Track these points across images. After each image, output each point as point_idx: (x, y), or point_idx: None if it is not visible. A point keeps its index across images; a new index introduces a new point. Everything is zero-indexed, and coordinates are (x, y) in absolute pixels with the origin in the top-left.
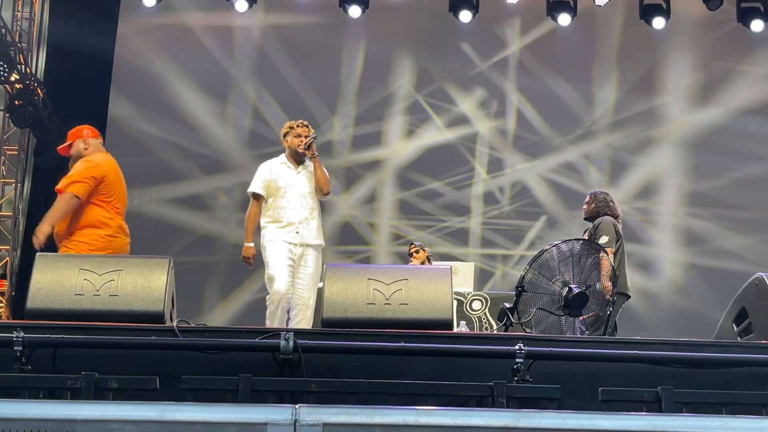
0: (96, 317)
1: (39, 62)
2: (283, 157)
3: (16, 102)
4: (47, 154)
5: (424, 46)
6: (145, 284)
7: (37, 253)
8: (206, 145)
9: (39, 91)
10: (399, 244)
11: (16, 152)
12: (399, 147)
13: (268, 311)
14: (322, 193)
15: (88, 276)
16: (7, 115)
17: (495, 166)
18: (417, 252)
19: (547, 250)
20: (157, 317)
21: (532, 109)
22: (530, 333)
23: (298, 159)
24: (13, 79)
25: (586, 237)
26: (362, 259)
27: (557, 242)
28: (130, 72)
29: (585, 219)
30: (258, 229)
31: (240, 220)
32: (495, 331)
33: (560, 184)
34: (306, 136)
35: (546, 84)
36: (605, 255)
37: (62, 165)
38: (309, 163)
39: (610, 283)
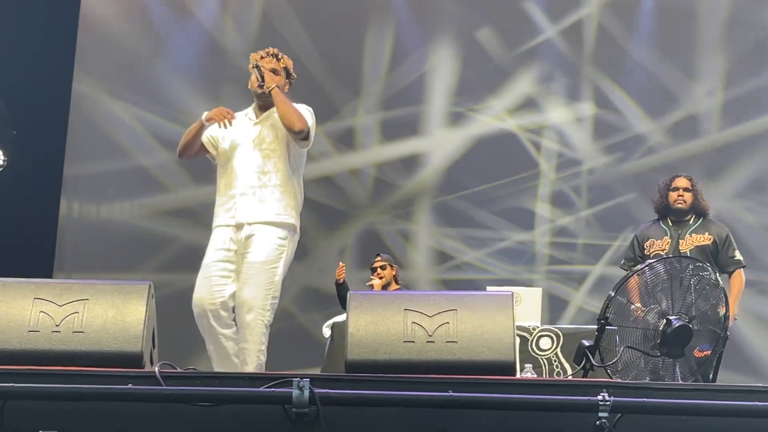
0: (56, 360)
1: None
2: (250, 108)
3: None
4: None
5: (473, 8)
6: (118, 317)
7: None
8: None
9: None
10: (443, 264)
11: None
12: (441, 138)
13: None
14: (292, 132)
15: (45, 307)
16: None
17: (567, 162)
18: (383, 268)
19: (637, 270)
20: (135, 359)
21: (616, 87)
22: (617, 379)
23: (264, 107)
24: None
25: (708, 241)
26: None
27: (651, 260)
28: (97, 43)
29: (686, 210)
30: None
31: None
32: (570, 377)
33: (653, 185)
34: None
35: (633, 54)
36: (717, 275)
37: (12, 166)
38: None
39: (726, 312)
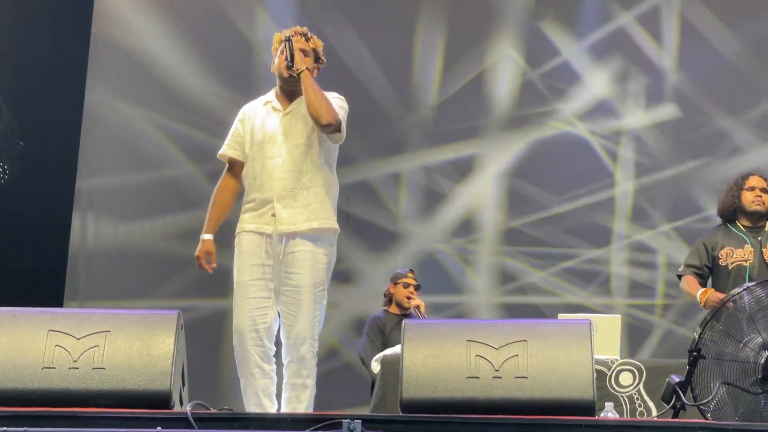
0: (74, 400)
1: None
2: (271, 94)
3: None
4: None
5: None
6: (143, 351)
7: None
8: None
9: None
10: (505, 286)
11: None
12: (501, 144)
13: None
14: (320, 124)
15: (61, 340)
16: None
17: (645, 168)
18: (418, 288)
19: (734, 296)
20: (163, 399)
21: (699, 86)
22: (712, 421)
23: (290, 93)
24: None
25: None
26: (455, 314)
27: (749, 284)
28: (113, 43)
29: (763, 213)
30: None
31: None
32: (656, 418)
33: None
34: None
35: (719, 49)
36: None
37: (19, 181)
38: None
39: None
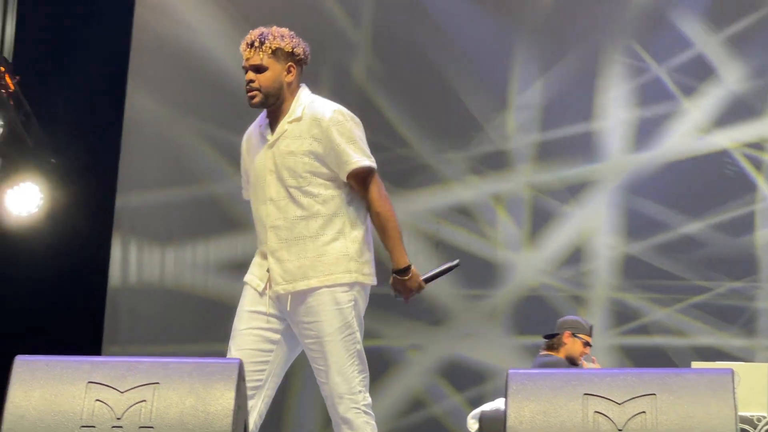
0: None
1: (6, 32)
2: (264, 114)
3: None
4: (23, 185)
5: None
6: (198, 407)
7: (16, 357)
8: None
9: (8, 81)
10: (623, 326)
11: None
12: (619, 159)
13: None
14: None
15: (102, 394)
16: None
17: None
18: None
19: None
20: None
21: None
22: None
23: (273, 115)
24: None
25: None
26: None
27: None
28: (157, 46)
29: None
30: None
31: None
32: None
33: None
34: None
35: None
36: None
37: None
38: (300, 118)
39: None
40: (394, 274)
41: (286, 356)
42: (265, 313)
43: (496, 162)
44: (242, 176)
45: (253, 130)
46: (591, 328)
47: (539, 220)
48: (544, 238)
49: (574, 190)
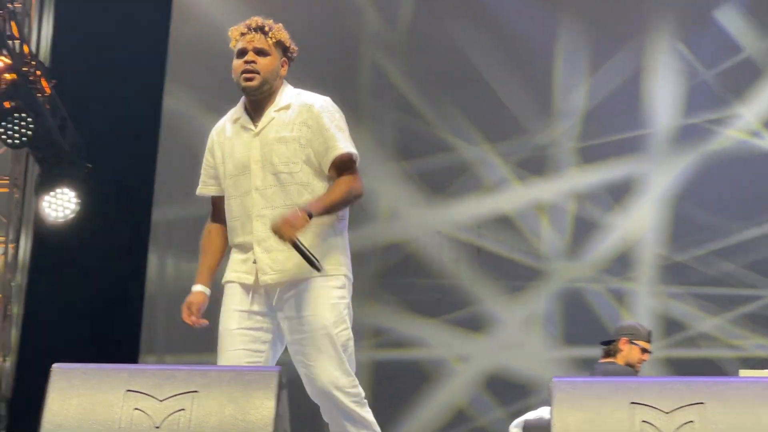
0: None
1: (42, 36)
2: (239, 108)
3: (6, 104)
4: (59, 190)
5: None
6: (237, 416)
7: (54, 365)
8: None
9: (44, 85)
10: (671, 337)
11: (7, 190)
12: (666, 161)
13: None
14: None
15: (140, 402)
16: None
17: None
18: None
19: None
20: None
21: None
22: None
23: (258, 104)
24: (0, 65)
25: None
26: (610, 368)
27: None
28: (196, 46)
29: None
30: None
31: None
32: None
33: None
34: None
35: None
36: None
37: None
38: (288, 106)
39: None
40: (300, 209)
41: (275, 355)
42: (255, 312)
43: (538, 167)
44: (203, 172)
45: (225, 125)
46: (650, 333)
47: (583, 226)
48: (588, 244)
49: (619, 196)
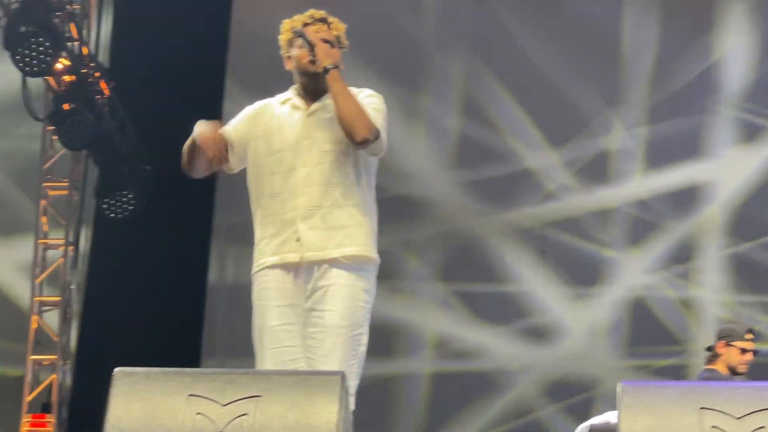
0: None
1: (101, 37)
2: (290, 91)
3: (65, 106)
4: (119, 192)
5: None
6: (301, 420)
7: (116, 369)
8: (383, 167)
9: (103, 87)
10: None
11: (66, 192)
12: (734, 160)
13: None
14: (354, 141)
15: (203, 407)
16: (50, 128)
17: None
18: (756, 353)
19: None
20: None
21: None
22: None
23: (314, 92)
24: (60, 66)
25: None
26: (674, 371)
27: None
28: (256, 46)
29: None
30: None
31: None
32: None
33: None
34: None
35: None
36: None
37: (146, 210)
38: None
39: None
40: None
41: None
42: (293, 305)
43: (602, 170)
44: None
45: (272, 104)
46: (749, 330)
47: (646, 224)
48: (651, 243)
49: (683, 192)
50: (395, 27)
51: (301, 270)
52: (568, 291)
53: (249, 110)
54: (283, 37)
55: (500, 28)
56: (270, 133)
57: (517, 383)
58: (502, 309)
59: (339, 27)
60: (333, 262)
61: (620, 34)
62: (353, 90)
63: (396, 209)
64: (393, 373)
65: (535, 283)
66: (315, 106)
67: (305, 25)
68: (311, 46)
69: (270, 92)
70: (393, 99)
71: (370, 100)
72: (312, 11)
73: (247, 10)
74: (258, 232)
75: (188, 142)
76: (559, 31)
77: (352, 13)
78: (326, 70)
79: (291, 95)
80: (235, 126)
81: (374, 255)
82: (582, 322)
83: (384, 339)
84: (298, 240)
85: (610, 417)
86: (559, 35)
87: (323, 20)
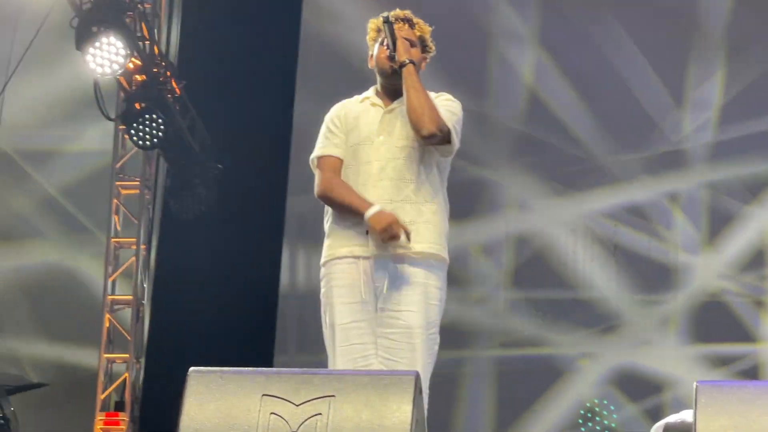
0: None
1: (172, 37)
2: (369, 92)
3: (137, 106)
4: (189, 192)
5: None
6: (374, 421)
7: (191, 369)
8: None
9: (174, 86)
10: None
11: (138, 191)
12: None
13: None
14: (420, 134)
15: (277, 407)
16: (122, 127)
17: None
18: None
19: None
20: None
21: None
22: None
23: (394, 92)
24: (131, 66)
25: None
26: (748, 370)
27: None
28: (325, 45)
29: None
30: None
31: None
32: None
33: None
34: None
35: None
36: None
37: (217, 209)
38: None
39: None
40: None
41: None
42: (364, 302)
43: (671, 161)
44: (328, 136)
45: (351, 103)
46: None
47: (718, 221)
48: (723, 240)
49: (756, 189)
50: (463, 24)
51: (369, 264)
52: (639, 289)
53: (333, 114)
54: (369, 37)
55: (568, 24)
56: (348, 128)
57: (587, 382)
58: (571, 308)
59: (424, 29)
60: (402, 258)
61: (690, 32)
62: (432, 94)
63: (465, 207)
64: (461, 371)
65: (605, 281)
66: (394, 104)
67: (389, 21)
68: (393, 40)
69: (339, 89)
70: (459, 97)
71: (446, 104)
72: (397, 10)
73: (317, 9)
74: (329, 224)
75: (345, 200)
76: (628, 26)
77: (420, 10)
78: (402, 65)
79: (370, 94)
80: (328, 139)
81: (444, 254)
82: (654, 321)
83: (451, 337)
84: (367, 233)
85: (685, 416)
86: (628, 30)
87: (407, 20)
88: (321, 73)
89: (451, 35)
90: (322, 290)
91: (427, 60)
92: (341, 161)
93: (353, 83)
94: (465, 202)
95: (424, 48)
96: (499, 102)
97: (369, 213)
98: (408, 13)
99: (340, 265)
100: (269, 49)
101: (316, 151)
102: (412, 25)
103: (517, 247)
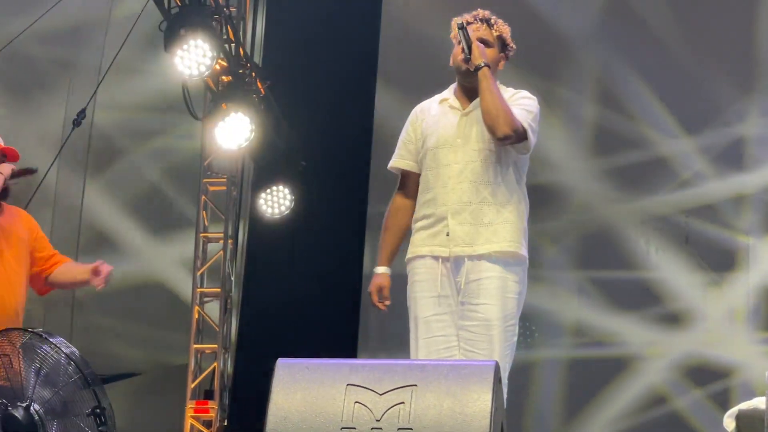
0: None
1: (257, 38)
2: (448, 92)
3: (223, 106)
4: (274, 187)
5: None
6: (455, 409)
7: (278, 360)
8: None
9: (259, 86)
10: None
11: (225, 188)
12: None
13: None
14: (495, 136)
15: (361, 396)
16: (209, 126)
17: None
18: None
19: None
20: None
21: None
22: None
23: (471, 91)
24: (217, 67)
25: None
26: None
27: None
28: (406, 45)
29: None
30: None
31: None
32: None
33: None
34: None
35: None
36: None
37: (302, 205)
38: None
39: None
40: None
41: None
42: (445, 296)
43: (737, 152)
44: (401, 146)
45: (430, 104)
46: None
47: None
48: None
49: None
50: (534, 18)
51: (450, 263)
52: (705, 277)
53: (410, 119)
54: (452, 35)
55: (635, 18)
56: (427, 133)
57: (655, 369)
58: (638, 295)
59: (502, 29)
60: (481, 257)
61: (756, 20)
62: (510, 90)
63: (533, 198)
64: (532, 360)
65: (671, 269)
66: (471, 106)
67: (468, 23)
68: (468, 44)
69: (419, 91)
70: (530, 89)
71: (524, 101)
72: (476, 11)
73: (397, 9)
74: (415, 223)
75: (380, 244)
76: (693, 19)
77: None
78: (477, 68)
79: (448, 95)
80: (401, 148)
81: (522, 251)
82: (719, 308)
83: (523, 326)
84: (447, 235)
85: (758, 403)
86: (693, 23)
87: (485, 20)
88: (401, 72)
89: (520, 29)
90: (408, 285)
91: (508, 56)
92: (411, 172)
93: (432, 82)
94: (534, 192)
95: (504, 47)
96: (568, 94)
97: (374, 270)
98: (487, 13)
99: (421, 261)
100: (351, 50)
101: (392, 160)
102: (490, 25)
103: (585, 236)
